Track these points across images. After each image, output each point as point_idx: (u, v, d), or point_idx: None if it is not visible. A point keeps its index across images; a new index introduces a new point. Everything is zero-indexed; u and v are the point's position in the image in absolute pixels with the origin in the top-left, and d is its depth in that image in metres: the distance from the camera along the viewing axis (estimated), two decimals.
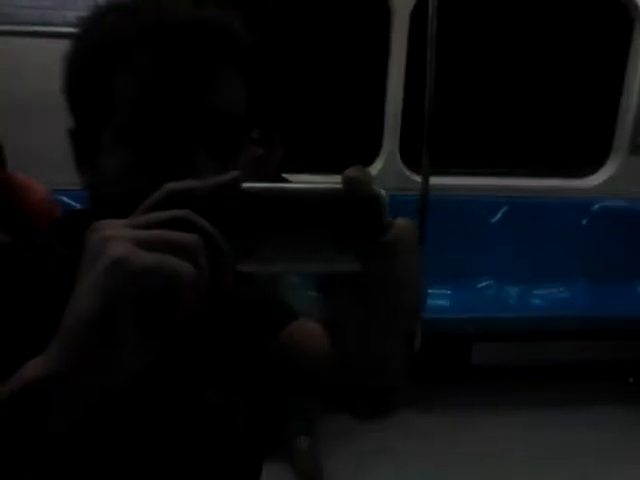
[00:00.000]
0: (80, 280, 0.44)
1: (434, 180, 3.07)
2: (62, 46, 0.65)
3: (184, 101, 0.60)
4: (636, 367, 3.35)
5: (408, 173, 3.48)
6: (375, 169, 3.45)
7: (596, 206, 3.68)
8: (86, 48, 0.64)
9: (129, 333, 0.43)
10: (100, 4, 0.65)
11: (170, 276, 0.42)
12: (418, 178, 3.14)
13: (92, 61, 0.63)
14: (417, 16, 3.18)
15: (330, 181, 0.46)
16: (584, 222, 3.67)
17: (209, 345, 0.74)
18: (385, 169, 3.46)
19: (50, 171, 2.21)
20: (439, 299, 3.34)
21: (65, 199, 2.69)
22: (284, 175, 2.86)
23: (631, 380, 3.34)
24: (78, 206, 0.79)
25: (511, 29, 3.68)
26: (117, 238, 0.43)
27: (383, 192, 0.46)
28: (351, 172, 0.46)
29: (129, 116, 0.61)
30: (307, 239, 0.45)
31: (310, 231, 0.45)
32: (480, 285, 3.54)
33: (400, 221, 0.47)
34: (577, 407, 3.19)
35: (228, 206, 0.45)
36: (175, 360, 0.64)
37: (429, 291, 3.17)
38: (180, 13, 0.61)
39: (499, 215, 3.61)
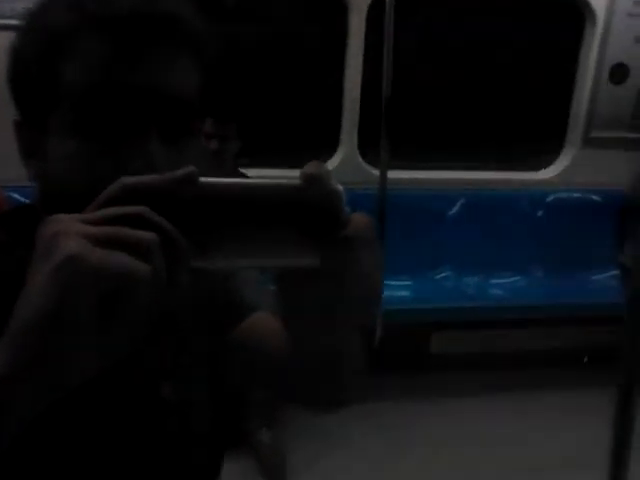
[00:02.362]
0: (31, 277, 0.42)
1: (392, 174, 3.09)
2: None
3: (132, 84, 0.59)
4: (591, 353, 3.45)
5: (367, 167, 3.50)
6: (334, 163, 3.46)
7: (551, 197, 3.75)
8: (33, 37, 0.63)
9: (82, 333, 0.42)
10: None
11: (125, 275, 0.41)
12: (377, 172, 3.15)
13: (39, 50, 0.61)
14: (374, 11, 3.19)
15: (288, 176, 0.46)
16: (539, 213, 3.74)
17: (165, 339, 0.73)
18: (344, 163, 3.47)
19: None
20: (399, 290, 3.37)
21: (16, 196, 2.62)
22: (241, 169, 2.84)
23: (585, 359, 3.44)
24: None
25: (467, 25, 3.72)
26: (71, 234, 0.41)
27: (341, 188, 0.46)
28: (310, 168, 0.46)
29: (78, 103, 0.59)
30: (265, 234, 0.45)
31: (268, 226, 0.45)
32: (439, 276, 3.59)
33: (358, 216, 0.47)
34: (534, 393, 3.26)
35: (184, 201, 0.44)
36: (129, 356, 0.63)
37: (389, 282, 3.21)
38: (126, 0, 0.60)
39: (457, 207, 3.66)
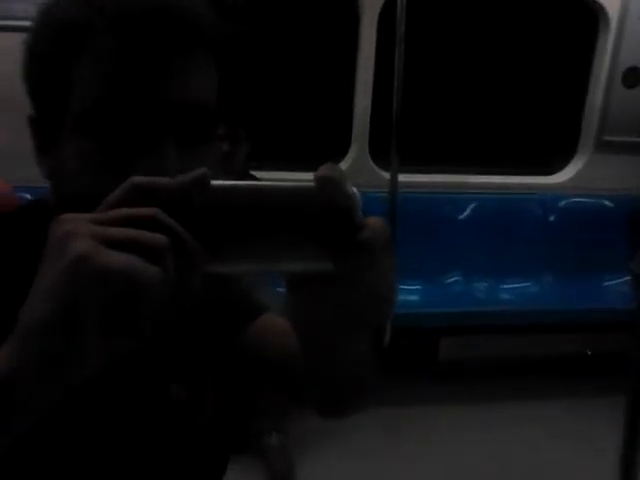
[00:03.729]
0: (40, 277, 0.42)
1: (403, 177, 3.08)
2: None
3: (148, 87, 0.58)
4: (602, 360, 3.42)
5: (377, 170, 3.49)
6: (344, 166, 3.45)
7: (563, 202, 3.73)
8: (46, 33, 0.61)
9: (90, 335, 0.41)
10: None
11: (134, 277, 0.40)
12: (387, 175, 3.14)
13: (52, 47, 0.60)
14: (386, 15, 3.18)
15: (301, 179, 0.45)
16: (551, 218, 3.72)
17: (174, 340, 0.72)
18: (354, 166, 3.46)
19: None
20: (408, 294, 3.36)
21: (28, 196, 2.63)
22: (251, 172, 2.83)
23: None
24: None
25: (478, 29, 3.71)
26: (82, 234, 0.41)
27: (355, 191, 0.45)
28: (324, 171, 0.45)
29: (91, 104, 0.58)
30: (278, 238, 0.44)
31: (281, 230, 0.44)
32: (449, 280, 3.57)
33: (373, 220, 0.46)
34: (543, 400, 3.24)
35: (196, 204, 0.44)
36: (137, 357, 0.62)
37: (399, 286, 3.19)
38: None
39: (468, 211, 3.64)
